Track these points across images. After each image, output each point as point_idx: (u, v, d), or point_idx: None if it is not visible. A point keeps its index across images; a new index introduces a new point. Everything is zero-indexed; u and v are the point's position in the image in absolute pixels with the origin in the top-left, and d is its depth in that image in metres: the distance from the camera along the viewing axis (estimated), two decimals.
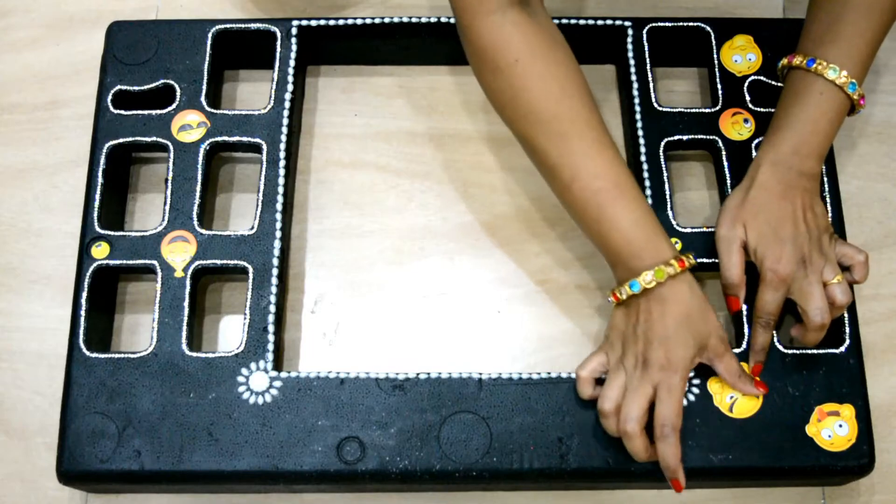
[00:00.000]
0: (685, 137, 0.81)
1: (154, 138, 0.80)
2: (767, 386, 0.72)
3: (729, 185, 0.79)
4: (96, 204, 0.78)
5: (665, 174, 0.80)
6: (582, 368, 0.72)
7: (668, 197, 0.79)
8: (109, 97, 0.82)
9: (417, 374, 0.73)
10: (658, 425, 0.68)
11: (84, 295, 0.75)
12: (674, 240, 0.77)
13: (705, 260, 0.77)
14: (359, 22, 0.84)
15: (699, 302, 0.70)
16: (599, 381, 0.72)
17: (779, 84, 0.82)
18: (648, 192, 0.79)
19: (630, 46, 0.84)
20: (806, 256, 0.72)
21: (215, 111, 0.81)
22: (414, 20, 0.84)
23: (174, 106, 0.81)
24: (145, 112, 0.81)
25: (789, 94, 0.75)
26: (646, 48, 0.84)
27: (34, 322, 0.80)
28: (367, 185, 0.85)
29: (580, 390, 0.72)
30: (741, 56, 0.84)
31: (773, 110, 0.81)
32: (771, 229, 0.72)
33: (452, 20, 0.83)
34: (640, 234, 0.70)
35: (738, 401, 0.72)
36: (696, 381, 0.73)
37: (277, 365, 0.74)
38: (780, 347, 0.74)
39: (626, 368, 0.70)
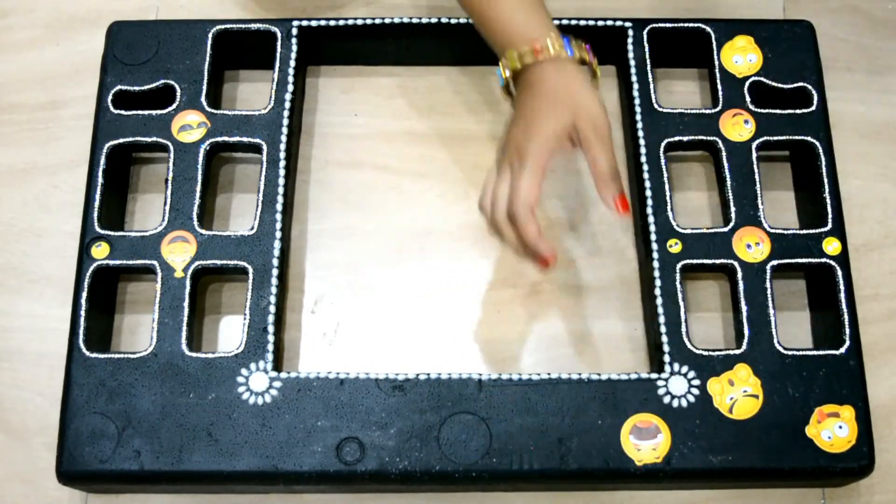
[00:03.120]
0: (685, 138, 0.81)
1: (154, 138, 0.80)
2: (629, 206, 0.68)
3: (729, 185, 0.79)
4: (96, 204, 0.78)
5: (665, 174, 0.79)
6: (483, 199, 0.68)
7: (668, 197, 0.79)
8: (109, 97, 0.82)
9: (417, 374, 0.73)
10: (511, 209, 0.65)
11: (84, 295, 0.75)
12: (673, 241, 0.77)
13: (705, 261, 0.77)
14: (359, 22, 0.84)
15: (570, 78, 0.66)
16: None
17: (779, 85, 0.82)
18: (649, 192, 0.79)
19: (630, 47, 0.84)
20: None
21: (215, 111, 0.81)
22: (414, 20, 0.84)
23: (174, 106, 0.81)
24: (145, 112, 0.81)
25: None
26: (646, 49, 0.84)
27: (34, 322, 0.80)
28: (367, 185, 0.85)
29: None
30: (741, 57, 0.84)
31: (773, 111, 0.82)
32: None
33: (452, 20, 0.83)
34: (520, 17, 0.67)
35: (738, 402, 0.72)
36: (695, 382, 0.73)
37: (277, 365, 0.74)
38: (780, 349, 0.74)
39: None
